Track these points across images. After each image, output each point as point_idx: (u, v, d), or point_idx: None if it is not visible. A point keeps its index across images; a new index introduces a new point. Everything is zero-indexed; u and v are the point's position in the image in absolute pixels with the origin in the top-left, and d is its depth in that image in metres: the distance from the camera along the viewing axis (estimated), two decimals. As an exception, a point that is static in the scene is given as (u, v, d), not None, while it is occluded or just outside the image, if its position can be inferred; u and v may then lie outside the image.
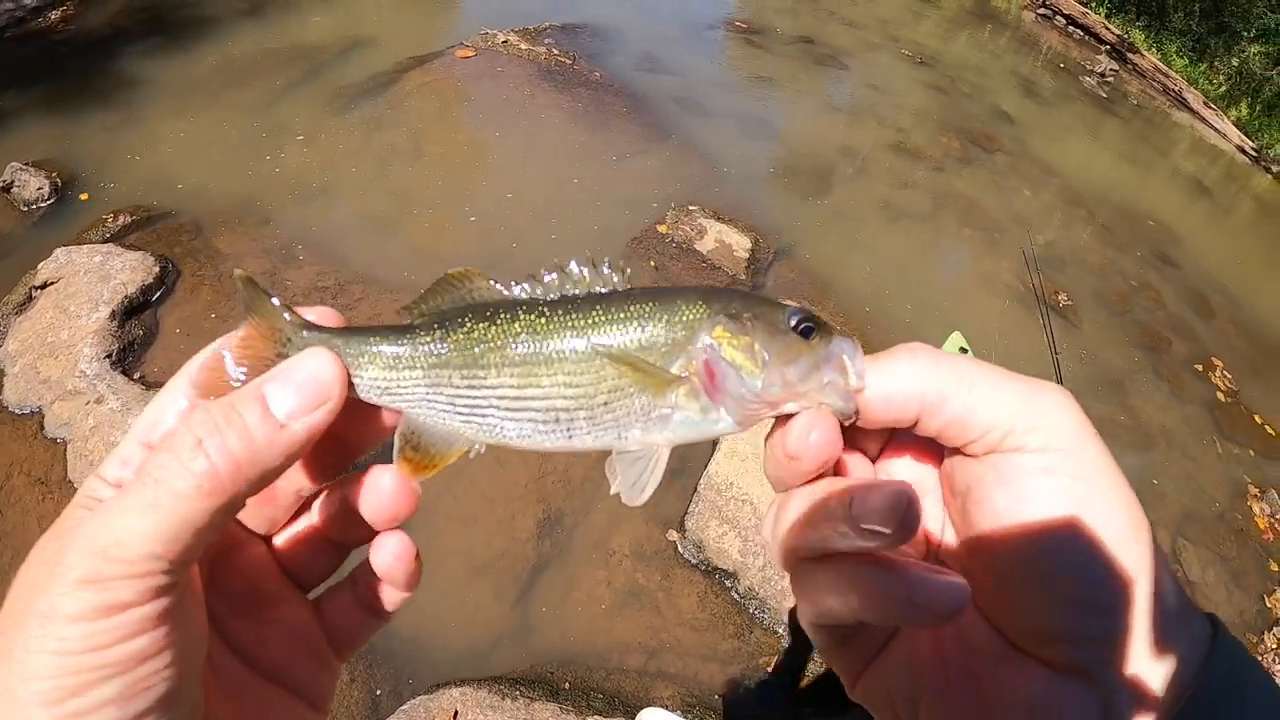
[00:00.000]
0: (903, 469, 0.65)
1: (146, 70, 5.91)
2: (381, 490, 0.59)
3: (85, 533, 0.46)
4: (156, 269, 4.23)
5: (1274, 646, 4.65)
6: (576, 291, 0.62)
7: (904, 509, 0.50)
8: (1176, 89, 15.45)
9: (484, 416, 0.61)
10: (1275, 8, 15.94)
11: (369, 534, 0.61)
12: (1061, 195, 9.05)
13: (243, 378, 0.56)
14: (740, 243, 5.80)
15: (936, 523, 0.63)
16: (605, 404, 0.60)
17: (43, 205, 4.62)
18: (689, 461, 4.05)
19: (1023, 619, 0.55)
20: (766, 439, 0.61)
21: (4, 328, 3.93)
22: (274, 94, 6.04)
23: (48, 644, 0.43)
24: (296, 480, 0.61)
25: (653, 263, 5.42)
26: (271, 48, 6.59)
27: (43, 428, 3.49)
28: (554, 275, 0.63)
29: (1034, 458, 0.54)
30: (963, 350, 4.80)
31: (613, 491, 0.62)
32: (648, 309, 0.61)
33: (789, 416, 0.59)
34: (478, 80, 6.95)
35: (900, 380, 0.57)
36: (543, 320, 0.60)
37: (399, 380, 0.60)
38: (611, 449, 0.62)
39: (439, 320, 0.62)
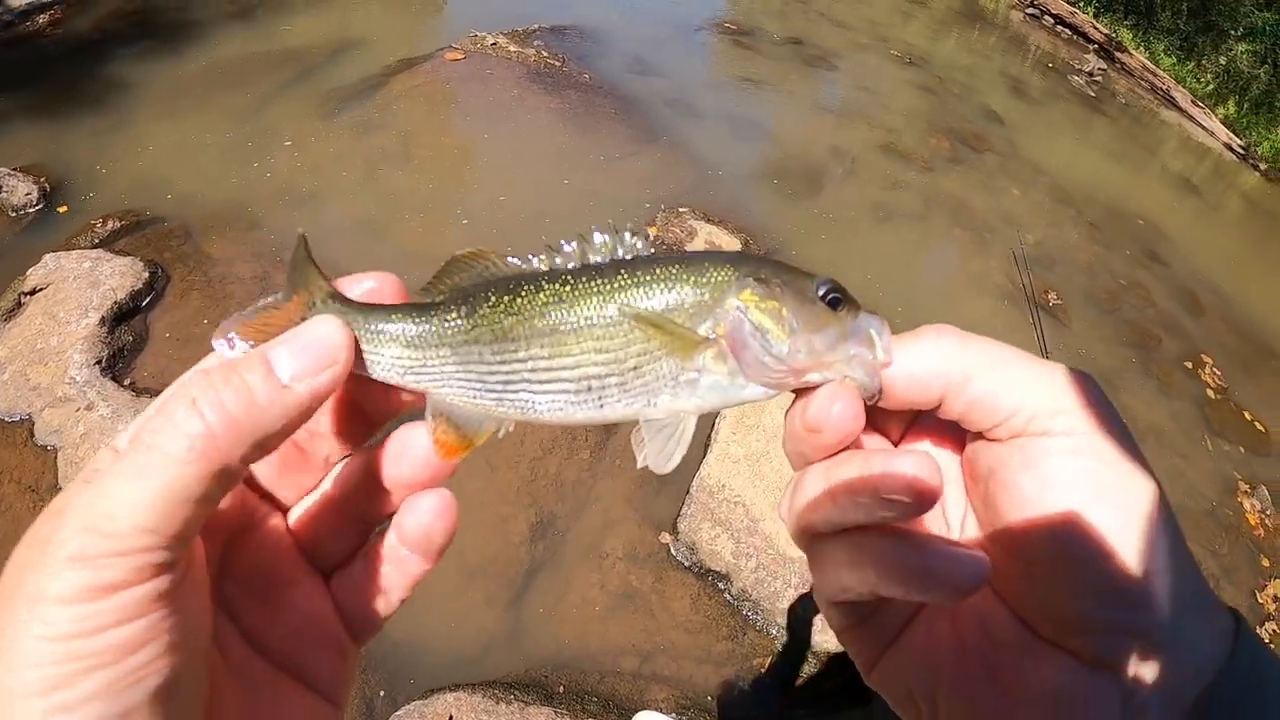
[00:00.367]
0: (907, 450, 0.62)
1: (135, 74, 5.89)
2: (416, 449, 0.58)
3: (77, 505, 0.43)
4: (146, 274, 4.22)
5: (1266, 641, 4.67)
6: (599, 259, 0.61)
7: (926, 476, 0.49)
8: (1164, 88, 15.51)
9: (515, 392, 0.59)
10: (1262, 6, 16.02)
11: (390, 508, 0.60)
12: (1050, 194, 9.07)
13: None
14: (730, 244, 5.79)
15: (958, 510, 0.62)
16: (635, 368, 0.59)
17: (31, 211, 4.60)
18: (681, 463, 4.05)
19: (1048, 607, 0.53)
20: (786, 413, 0.61)
21: (-7, 334, 3.91)
22: (263, 97, 6.03)
23: (34, 628, 0.40)
24: (325, 446, 0.60)
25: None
26: (260, 51, 6.58)
27: (33, 435, 3.47)
28: (575, 244, 0.62)
29: (1060, 441, 0.53)
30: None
31: (640, 464, 0.60)
32: (674, 271, 0.60)
33: (809, 391, 0.58)
34: (467, 83, 6.94)
35: (926, 359, 0.56)
36: (568, 288, 0.59)
37: (424, 359, 0.58)
38: (640, 417, 0.61)
39: (462, 296, 0.60)
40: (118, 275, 4.11)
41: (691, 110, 7.80)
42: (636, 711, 3.12)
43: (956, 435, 0.62)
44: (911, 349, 0.56)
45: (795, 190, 7.23)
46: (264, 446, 0.49)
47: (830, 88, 9.81)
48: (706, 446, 4.10)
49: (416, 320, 0.58)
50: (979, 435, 0.58)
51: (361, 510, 0.61)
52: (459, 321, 0.59)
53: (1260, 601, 4.95)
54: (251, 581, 0.58)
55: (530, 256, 0.62)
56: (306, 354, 0.51)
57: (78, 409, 3.53)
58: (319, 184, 5.35)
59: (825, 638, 3.47)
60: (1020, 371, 0.55)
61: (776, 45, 10.24)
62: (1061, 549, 0.51)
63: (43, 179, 4.73)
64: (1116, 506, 0.51)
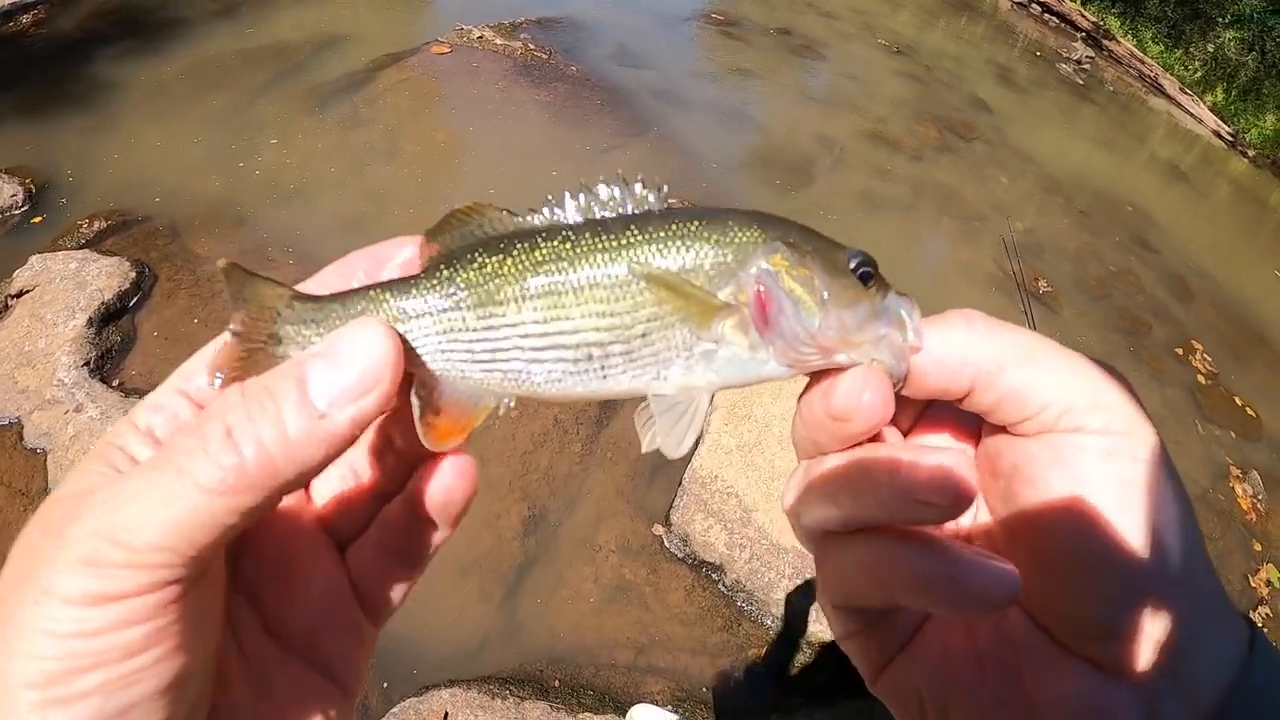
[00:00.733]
0: (934, 445, 0.58)
1: (120, 73, 5.85)
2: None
3: (94, 505, 0.41)
4: (133, 274, 4.19)
5: (1260, 625, 4.69)
6: (605, 214, 0.56)
7: (960, 478, 0.46)
8: (1152, 75, 15.57)
9: (507, 361, 0.54)
10: (1249, -8, 16.07)
11: (406, 477, 0.56)
12: (1039, 182, 9.09)
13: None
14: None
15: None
16: (643, 335, 0.53)
17: (17, 212, 4.56)
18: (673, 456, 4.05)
19: (1072, 613, 0.50)
20: (801, 398, 0.56)
21: (-21, 337, 3.88)
22: (249, 94, 6.00)
23: (40, 622, 0.39)
24: None
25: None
26: (245, 48, 6.55)
27: (22, 438, 3.45)
28: (579, 197, 0.56)
29: (1094, 439, 0.49)
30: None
31: (646, 448, 0.55)
32: (693, 228, 0.54)
33: (827, 374, 0.53)
34: (454, 77, 6.92)
35: (957, 345, 0.52)
36: (568, 245, 0.53)
37: (408, 334, 0.52)
38: (647, 392, 0.55)
39: (446, 261, 0.54)
40: (104, 276, 4.09)
41: (679, 101, 7.79)
42: (632, 704, 3.12)
43: (971, 426, 0.59)
44: (942, 334, 0.52)
45: (784, 180, 7.24)
46: (303, 478, 0.45)
47: (818, 77, 9.82)
48: (699, 438, 4.09)
49: (396, 294, 0.53)
50: (1000, 428, 0.54)
51: (377, 479, 0.59)
52: (438, 287, 0.53)
53: (1253, 585, 4.97)
54: (270, 558, 0.55)
55: (530, 213, 0.56)
56: (346, 375, 0.46)
57: (66, 411, 3.51)
58: (306, 180, 5.32)
59: (820, 627, 3.47)
60: (1056, 364, 0.51)
61: (763, 35, 10.23)
62: (1092, 553, 0.49)
63: (28, 180, 4.70)
64: (1147, 511, 0.48)
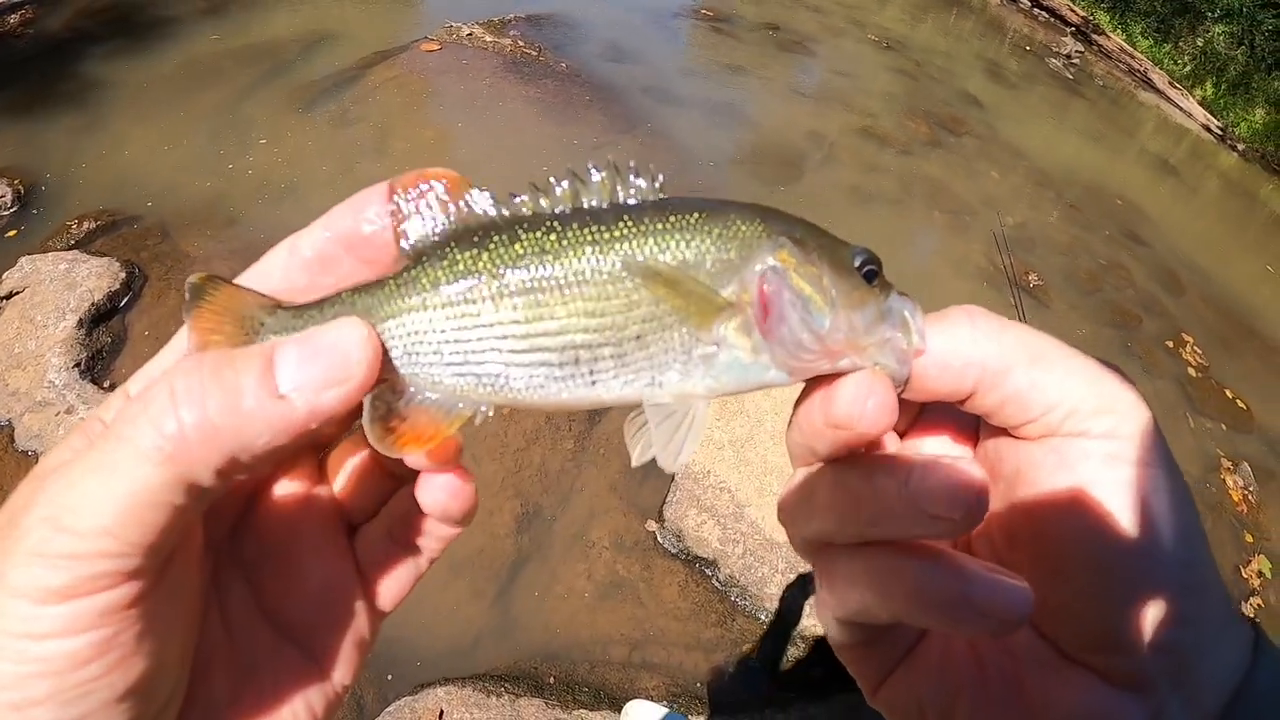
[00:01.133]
0: (932, 449, 0.58)
1: (109, 73, 5.82)
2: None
3: (50, 488, 0.39)
4: (123, 275, 4.17)
5: (1250, 615, 4.72)
6: (594, 204, 0.51)
7: (974, 491, 0.44)
8: (1142, 69, 15.62)
9: (481, 365, 0.49)
10: (1238, -13, 16.13)
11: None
12: (1030, 177, 9.11)
13: None
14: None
15: None
16: (638, 338, 0.49)
17: (5, 214, 4.54)
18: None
19: (1078, 622, 0.49)
20: (797, 405, 0.52)
21: (-31, 339, 3.87)
22: (238, 93, 5.98)
23: None
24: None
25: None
26: (234, 46, 6.52)
27: (13, 440, 3.43)
28: (566, 184, 0.51)
29: (1100, 444, 0.48)
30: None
31: (636, 461, 0.50)
32: (692, 220, 0.50)
33: (826, 380, 0.50)
34: (444, 74, 6.90)
35: (961, 345, 0.49)
36: (553, 237, 0.49)
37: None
38: (640, 399, 0.51)
39: (416, 257, 0.50)
40: (94, 277, 4.07)
41: (669, 97, 7.78)
42: (627, 700, 3.12)
43: (969, 429, 0.57)
44: (945, 334, 0.49)
45: (774, 175, 7.24)
46: (242, 464, 0.42)
47: (807, 73, 9.82)
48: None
49: (365, 294, 0.50)
50: (1001, 431, 0.52)
51: (392, 462, 0.56)
52: (405, 287, 0.50)
53: (1245, 577, 5.00)
54: (274, 539, 0.54)
55: (513, 198, 0.51)
56: (315, 362, 0.43)
57: (58, 413, 3.49)
58: (296, 179, 5.30)
59: (814, 622, 3.48)
60: (1061, 365, 0.49)
61: (753, 31, 10.23)
62: (1098, 560, 0.47)
63: (16, 181, 4.67)
64: (1154, 519, 0.47)
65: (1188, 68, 16.36)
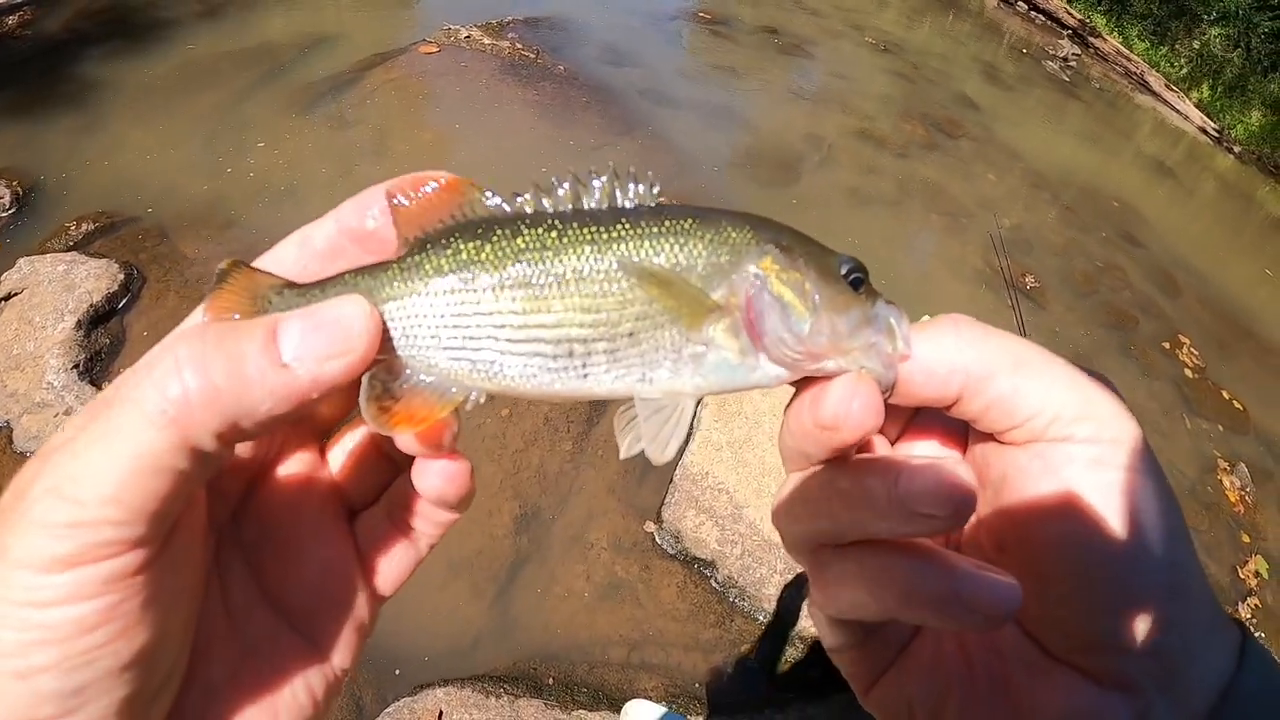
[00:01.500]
0: (923, 454, 0.58)
1: (106, 75, 5.82)
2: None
3: (54, 460, 0.39)
4: (121, 276, 4.17)
5: (1247, 617, 4.73)
6: (594, 205, 0.54)
7: (961, 490, 0.45)
8: (1138, 72, 15.65)
9: (477, 351, 0.51)
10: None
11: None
12: (1026, 179, 9.13)
13: None
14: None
15: None
16: (630, 335, 0.51)
17: (3, 215, 4.54)
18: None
19: (1064, 624, 0.50)
20: (787, 408, 0.54)
21: (-33, 341, 3.86)
22: (236, 95, 5.98)
23: (1, 589, 0.37)
24: None
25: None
26: (232, 49, 6.52)
27: (12, 442, 3.43)
28: (567, 185, 0.53)
29: (1084, 449, 0.49)
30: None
31: (625, 453, 0.52)
32: (686, 226, 0.52)
33: (814, 383, 0.51)
34: (442, 76, 6.90)
35: (946, 352, 0.50)
36: (554, 234, 0.51)
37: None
38: (631, 394, 0.53)
39: (420, 245, 0.52)
40: (93, 278, 4.07)
41: (667, 100, 7.79)
42: (626, 701, 3.12)
43: (957, 434, 0.58)
44: (930, 341, 0.51)
45: (771, 177, 7.25)
46: (244, 430, 0.43)
47: (805, 75, 9.83)
48: (689, 434, 4.09)
49: (368, 276, 0.51)
50: (988, 437, 0.53)
51: (392, 448, 0.56)
52: (409, 271, 0.51)
53: (1242, 577, 5.01)
54: (274, 522, 0.55)
55: (516, 197, 0.53)
56: (319, 333, 0.45)
57: (56, 414, 3.49)
58: (295, 181, 5.30)
59: (811, 623, 3.47)
60: (1044, 371, 0.50)
61: (750, 34, 10.25)
62: (1084, 564, 0.48)
63: (15, 183, 4.67)
64: (1140, 521, 0.48)
65: (1184, 70, 16.40)
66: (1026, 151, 9.72)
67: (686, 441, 4.09)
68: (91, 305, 3.94)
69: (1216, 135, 14.36)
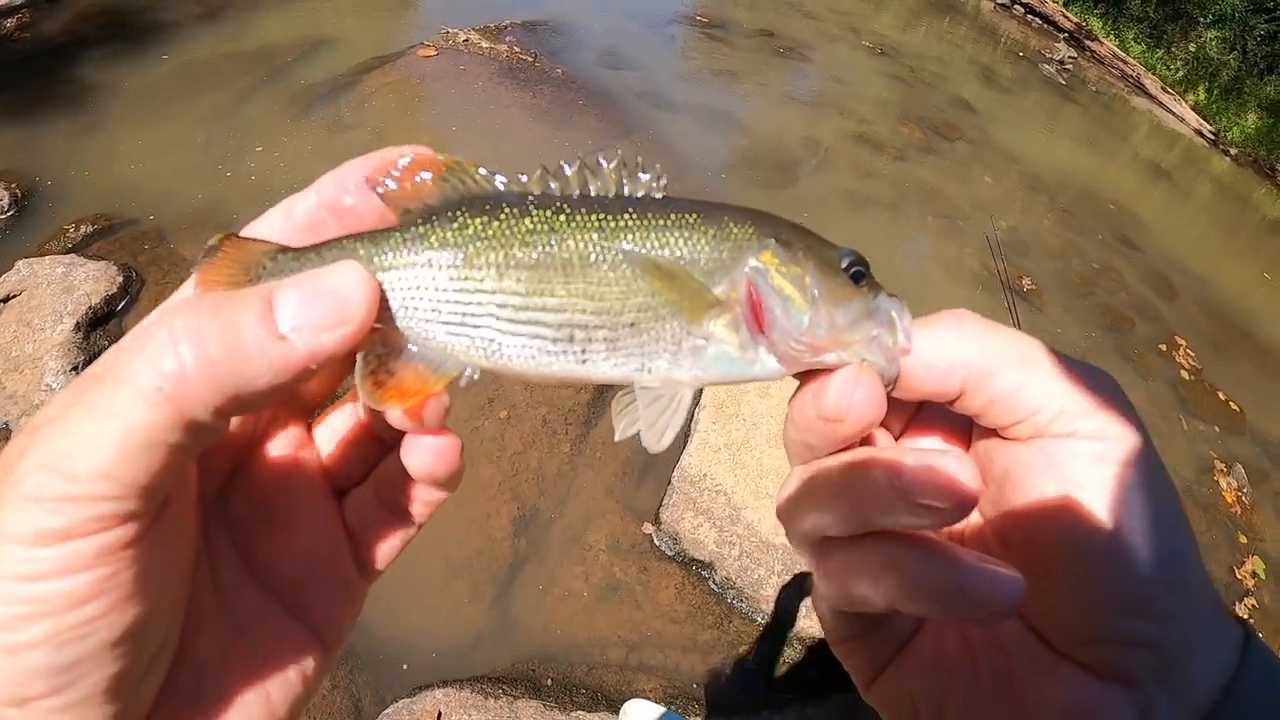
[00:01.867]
0: (926, 449, 0.57)
1: (106, 77, 5.81)
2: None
3: (44, 436, 0.38)
4: (120, 278, 4.17)
5: (1244, 617, 4.73)
6: (600, 192, 0.54)
7: (963, 481, 0.45)
8: (1134, 75, 15.67)
9: (477, 329, 0.51)
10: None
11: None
12: (1023, 181, 9.15)
13: None
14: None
15: None
16: (632, 325, 0.51)
17: (1, 218, 4.54)
18: (661, 454, 4.06)
19: (1067, 619, 0.50)
20: (791, 400, 0.54)
21: (-34, 343, 3.86)
22: (235, 98, 5.97)
23: None
24: None
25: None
26: (231, 51, 6.51)
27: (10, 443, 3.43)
28: (574, 168, 0.54)
29: (1087, 444, 0.49)
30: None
31: (619, 436, 0.53)
32: (691, 219, 0.53)
33: (818, 376, 0.52)
34: (440, 80, 6.90)
35: (948, 348, 0.51)
36: (562, 218, 0.51)
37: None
38: (629, 382, 0.53)
39: (424, 216, 0.52)
40: (91, 280, 4.07)
41: (665, 103, 7.80)
42: (624, 702, 3.13)
43: (961, 430, 0.58)
44: (932, 335, 0.51)
45: (769, 180, 7.26)
46: (243, 403, 0.42)
47: (802, 79, 9.84)
48: (687, 436, 4.10)
49: (368, 243, 0.50)
50: (991, 432, 0.54)
51: (379, 426, 0.57)
52: (412, 242, 0.51)
53: (1239, 578, 5.02)
54: (262, 499, 0.54)
55: (520, 177, 0.54)
56: (316, 304, 0.44)
57: (54, 414, 3.49)
58: (294, 183, 5.13)
59: (810, 623, 3.49)
60: (1047, 367, 0.50)
61: (748, 37, 10.25)
62: (1085, 558, 0.48)
63: (13, 185, 4.67)
64: (1141, 517, 0.48)
65: (1180, 73, 16.43)
66: (1023, 154, 9.74)
67: (686, 436, 4.10)
68: (90, 307, 3.93)
69: (1212, 138, 14.39)
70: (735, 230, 0.53)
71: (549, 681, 3.22)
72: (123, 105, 5.59)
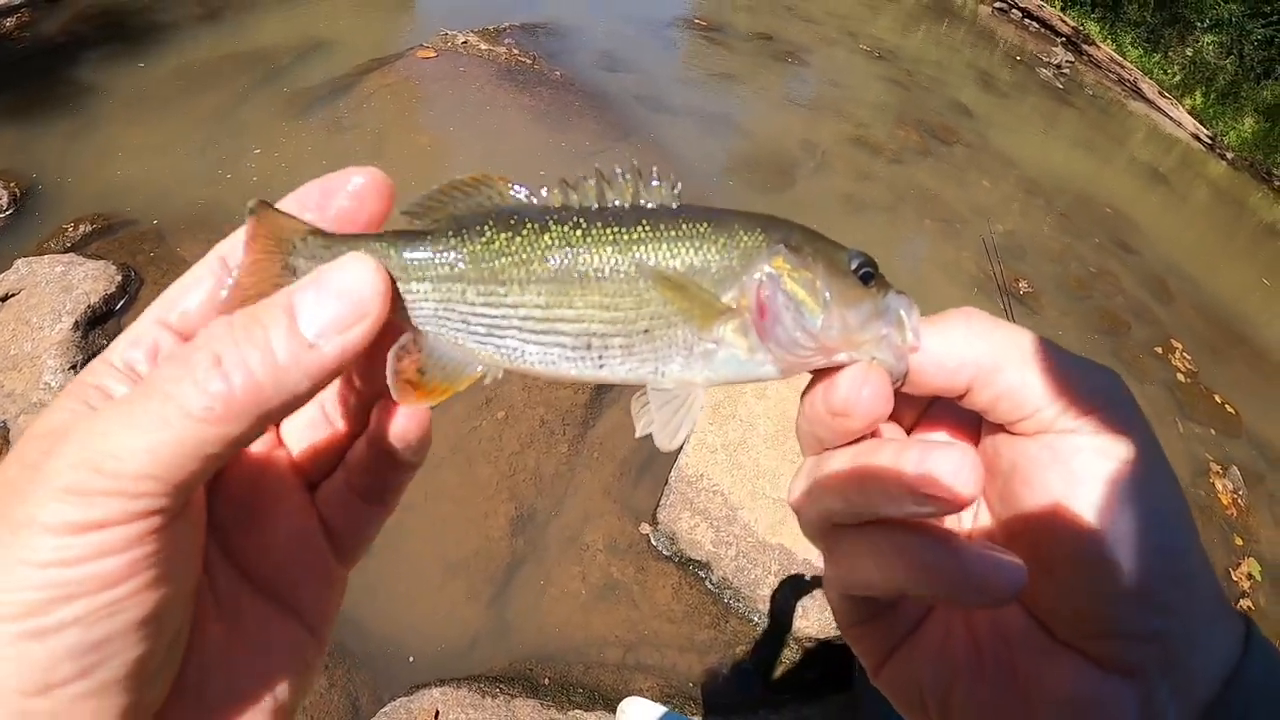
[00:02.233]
0: (939, 440, 0.60)
1: (105, 77, 5.82)
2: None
3: (78, 439, 0.41)
4: (119, 278, 4.17)
5: (1239, 617, 4.75)
6: (616, 203, 0.56)
7: (967, 470, 0.46)
8: (1131, 79, 15.68)
9: (503, 339, 0.54)
10: (1227, -2, 16.22)
11: (369, 416, 0.56)
12: (1020, 185, 9.16)
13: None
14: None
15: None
16: (645, 332, 0.54)
17: (1, 216, 4.54)
18: (659, 454, 4.07)
19: (1070, 610, 0.51)
20: (803, 395, 0.57)
21: (-35, 341, 3.86)
22: (234, 98, 5.97)
23: (17, 553, 0.39)
24: None
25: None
26: (230, 52, 6.51)
27: (8, 442, 3.42)
28: (590, 181, 0.56)
29: (1090, 439, 0.51)
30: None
31: (639, 434, 0.55)
32: (702, 229, 0.55)
33: (829, 371, 0.54)
34: (439, 81, 6.90)
35: (955, 345, 0.53)
36: (579, 233, 0.54)
37: (408, 291, 0.53)
38: (644, 384, 0.56)
39: (454, 227, 0.55)
40: (90, 279, 4.07)
41: (663, 106, 7.81)
42: (621, 700, 3.13)
43: (970, 426, 0.59)
44: (940, 334, 0.53)
45: (767, 183, 7.27)
46: (289, 407, 0.45)
47: (800, 82, 9.84)
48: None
49: (406, 246, 0.53)
50: (998, 427, 0.55)
51: (344, 419, 0.59)
52: (443, 255, 0.54)
53: (1235, 580, 5.03)
54: (240, 499, 0.55)
55: (542, 190, 0.56)
56: (335, 304, 0.46)
57: (53, 413, 3.49)
58: (292, 184, 5.12)
59: (806, 623, 3.49)
60: (1053, 363, 0.52)
61: (746, 41, 10.25)
62: (1087, 551, 0.49)
63: (12, 184, 4.67)
64: (1145, 510, 0.49)
65: (1177, 77, 16.45)
66: (1020, 158, 9.75)
67: (688, 436, 4.10)
68: (89, 306, 3.94)
69: (1209, 142, 14.41)
70: (745, 238, 0.56)
71: (546, 681, 3.22)
72: (122, 105, 5.59)
